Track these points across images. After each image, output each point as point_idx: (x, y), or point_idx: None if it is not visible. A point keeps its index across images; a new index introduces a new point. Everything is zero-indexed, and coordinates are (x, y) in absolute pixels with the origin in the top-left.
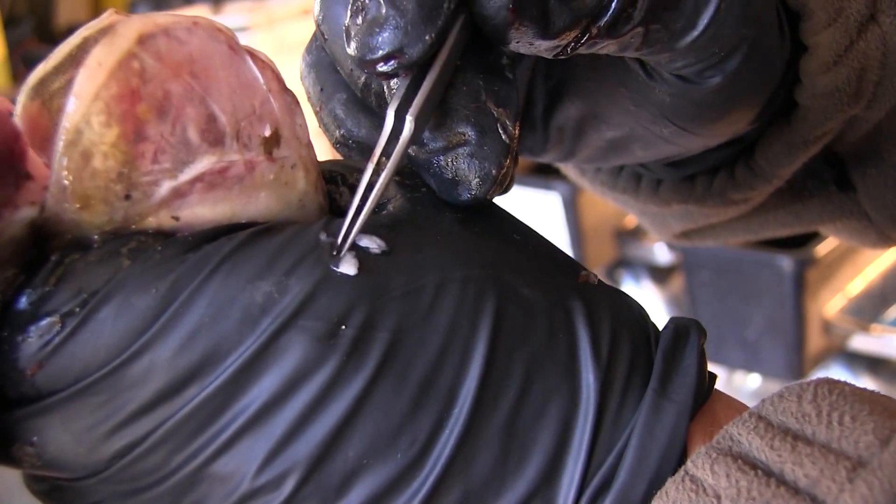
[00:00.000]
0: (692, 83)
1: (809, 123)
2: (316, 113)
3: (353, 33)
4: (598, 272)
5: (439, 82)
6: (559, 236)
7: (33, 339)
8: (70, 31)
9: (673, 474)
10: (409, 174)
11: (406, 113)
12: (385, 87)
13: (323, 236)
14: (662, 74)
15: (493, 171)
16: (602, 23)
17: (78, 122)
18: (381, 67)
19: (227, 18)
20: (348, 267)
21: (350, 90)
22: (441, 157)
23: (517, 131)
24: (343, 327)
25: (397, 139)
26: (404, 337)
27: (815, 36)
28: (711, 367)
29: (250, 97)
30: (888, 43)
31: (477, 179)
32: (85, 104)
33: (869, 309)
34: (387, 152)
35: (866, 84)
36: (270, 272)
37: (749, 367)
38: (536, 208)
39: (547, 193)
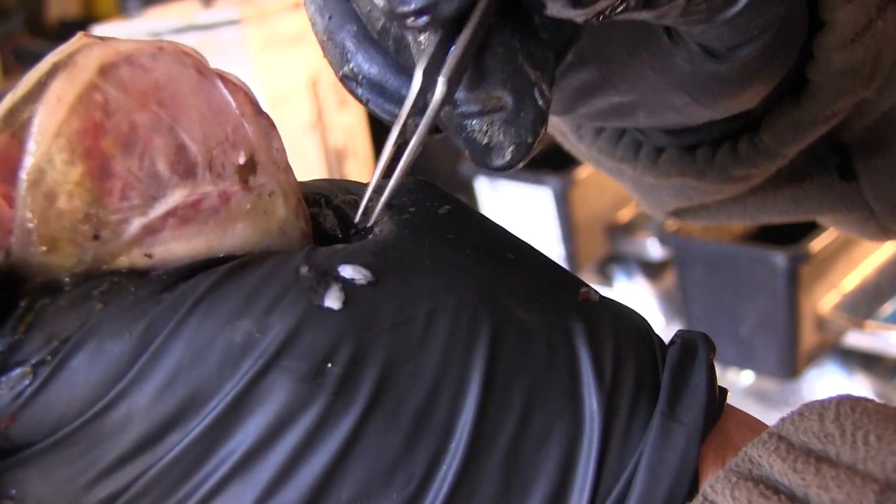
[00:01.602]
0: (717, 57)
1: (820, 102)
2: (321, 42)
3: None
4: (590, 267)
5: (473, 41)
6: (550, 231)
7: (4, 392)
8: (61, 24)
9: (685, 500)
10: (395, 195)
11: (437, 73)
12: (410, 38)
13: (304, 269)
14: (688, 43)
15: (530, 139)
16: None
17: (39, 161)
18: (412, 22)
19: (218, 12)
20: (332, 301)
21: (362, 22)
22: (475, 121)
23: (552, 95)
24: (329, 365)
25: (424, 100)
26: (395, 371)
27: (834, 11)
28: None
29: (222, 123)
30: None
31: (513, 147)
32: (46, 142)
33: (863, 305)
34: (413, 114)
35: (881, 66)
36: (250, 310)
37: (742, 364)
38: (528, 203)
39: (538, 188)
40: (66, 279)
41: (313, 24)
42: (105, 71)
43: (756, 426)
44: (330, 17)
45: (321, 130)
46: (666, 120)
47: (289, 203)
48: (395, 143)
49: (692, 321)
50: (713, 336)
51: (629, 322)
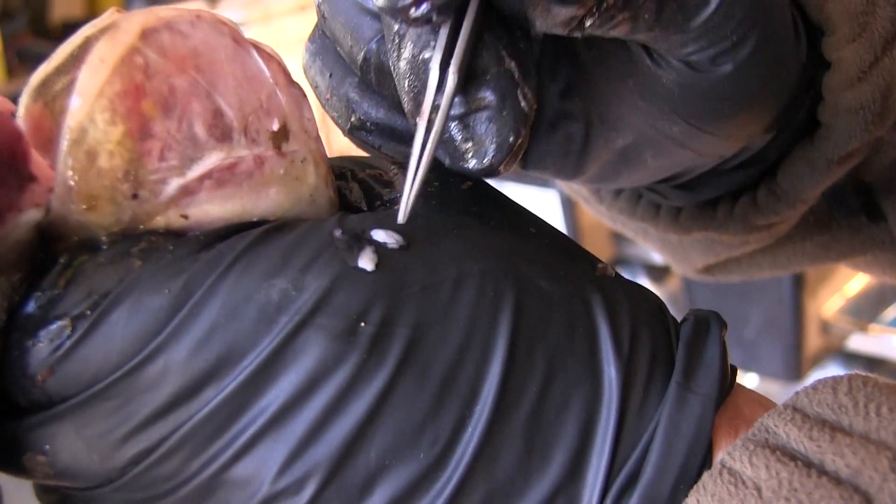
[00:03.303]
0: (701, 72)
1: (833, 143)
2: (326, 101)
3: None
4: None
5: (472, 35)
6: None
7: (43, 344)
8: (65, 26)
9: (700, 468)
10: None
11: (448, 66)
12: (389, 58)
13: (338, 232)
14: (670, 61)
15: (511, 139)
16: None
17: (82, 120)
18: (414, 13)
19: (223, 14)
20: (366, 262)
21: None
22: (456, 123)
23: (535, 101)
24: (362, 324)
25: (436, 95)
26: (424, 333)
27: (839, 51)
28: None
29: (257, 91)
30: None
31: (494, 146)
32: (89, 102)
33: (867, 309)
34: (434, 108)
35: (892, 103)
36: (286, 269)
37: (747, 367)
38: (534, 206)
39: (544, 191)
40: (104, 238)
41: (315, 87)
42: (146, 35)
43: (765, 402)
44: (331, 75)
45: (325, 133)
46: (675, 158)
47: (319, 171)
48: (422, 140)
49: None
50: None
51: (644, 298)
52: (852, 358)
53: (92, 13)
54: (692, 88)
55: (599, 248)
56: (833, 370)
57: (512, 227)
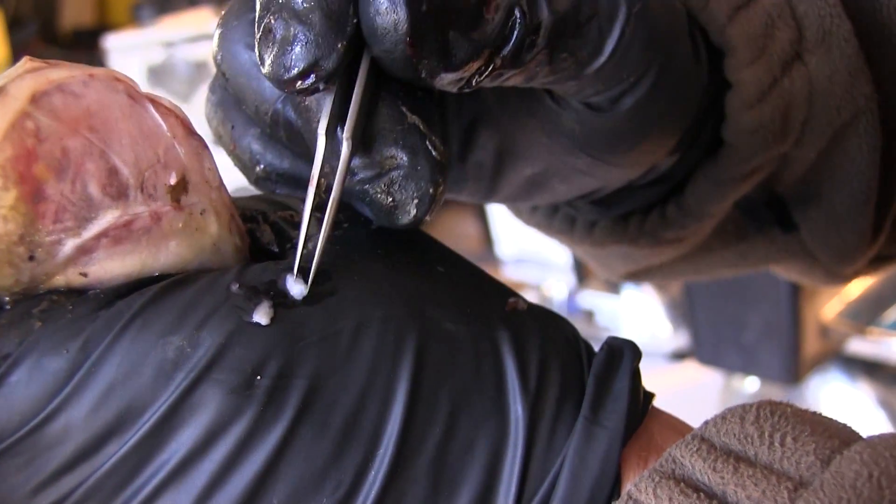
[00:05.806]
0: (601, 111)
1: (735, 161)
2: (230, 152)
3: (265, 56)
4: (598, 276)
5: (364, 98)
6: None
7: None
8: (75, 33)
9: (607, 500)
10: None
11: (338, 132)
12: (297, 118)
13: (235, 287)
14: (570, 102)
15: (431, 190)
16: (505, 52)
17: None
18: (301, 85)
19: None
20: (261, 316)
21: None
22: (374, 185)
23: (445, 147)
24: (258, 377)
25: (333, 159)
26: (323, 383)
27: (739, 73)
28: (709, 371)
29: (153, 145)
30: (814, 82)
31: (416, 201)
32: None
33: (866, 312)
34: (324, 174)
35: (793, 122)
36: (182, 326)
37: (746, 371)
38: None
39: None
40: (7, 298)
41: (219, 138)
42: (37, 99)
43: (681, 428)
44: (233, 127)
45: None
46: (582, 185)
47: (221, 220)
48: (313, 205)
49: (698, 328)
50: (719, 342)
51: (556, 330)
52: (851, 362)
53: (102, 20)
54: (593, 126)
55: None
56: (832, 374)
57: (419, 266)
